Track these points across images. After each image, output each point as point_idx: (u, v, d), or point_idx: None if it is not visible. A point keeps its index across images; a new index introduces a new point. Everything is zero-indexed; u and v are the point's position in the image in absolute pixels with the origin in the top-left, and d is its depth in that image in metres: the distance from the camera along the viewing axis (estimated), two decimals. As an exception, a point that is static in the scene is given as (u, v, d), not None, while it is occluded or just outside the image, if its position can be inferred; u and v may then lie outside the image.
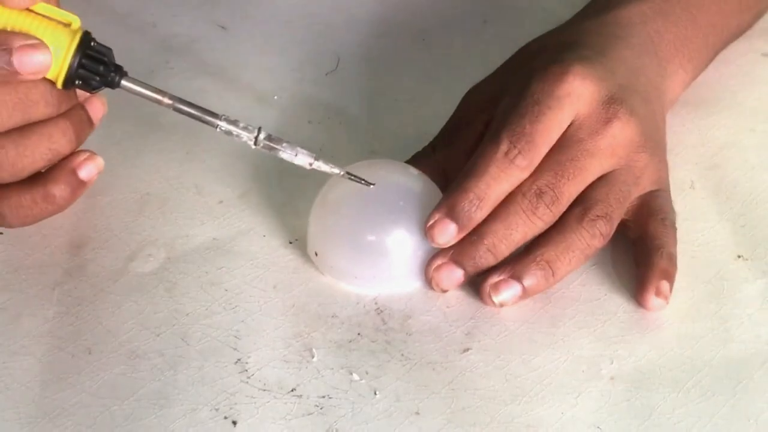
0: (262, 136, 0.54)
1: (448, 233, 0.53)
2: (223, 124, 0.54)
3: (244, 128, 0.54)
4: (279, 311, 0.53)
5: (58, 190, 0.53)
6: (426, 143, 0.61)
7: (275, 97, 0.71)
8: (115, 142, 0.66)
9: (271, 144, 0.55)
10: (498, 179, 0.53)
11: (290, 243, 0.58)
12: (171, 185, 0.62)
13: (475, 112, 0.60)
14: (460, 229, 0.53)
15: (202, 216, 0.60)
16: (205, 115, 0.54)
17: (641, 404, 0.49)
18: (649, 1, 0.63)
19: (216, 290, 0.54)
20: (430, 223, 0.53)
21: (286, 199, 0.61)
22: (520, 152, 0.53)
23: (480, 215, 0.53)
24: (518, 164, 0.53)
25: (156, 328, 0.52)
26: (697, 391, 0.49)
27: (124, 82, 0.54)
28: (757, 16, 0.72)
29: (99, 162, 0.55)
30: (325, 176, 0.59)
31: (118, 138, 0.66)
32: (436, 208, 0.53)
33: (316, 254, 0.56)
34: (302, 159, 0.55)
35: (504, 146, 0.53)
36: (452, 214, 0.53)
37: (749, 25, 0.71)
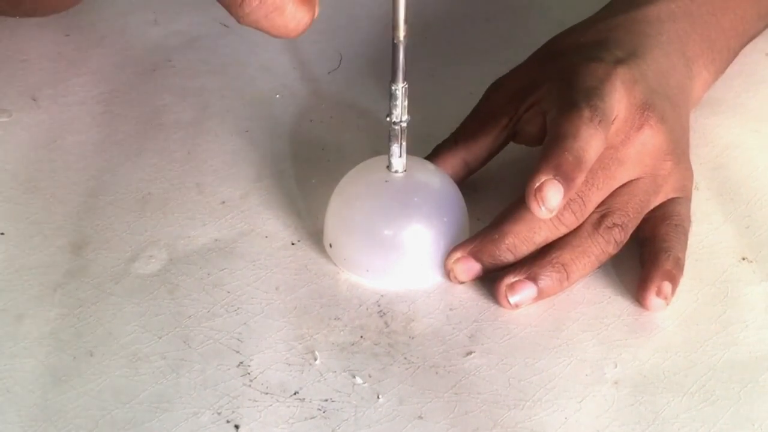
0: (402, 121, 0.53)
1: (557, 194, 0.50)
2: (402, 88, 0.52)
3: (405, 107, 0.53)
4: (281, 313, 0.53)
5: None
6: (429, 142, 0.61)
7: (277, 96, 0.71)
8: (116, 142, 0.66)
9: (393, 133, 0.54)
10: (590, 143, 0.51)
11: (292, 244, 0.57)
12: (173, 185, 0.62)
13: (500, 105, 0.60)
14: (566, 191, 0.51)
15: (204, 216, 0.59)
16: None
17: (645, 409, 0.48)
18: (677, 0, 0.63)
19: (218, 292, 0.54)
20: (538, 184, 0.50)
21: (289, 199, 0.61)
22: (601, 120, 0.52)
23: (581, 178, 0.51)
24: (602, 131, 0.52)
25: (158, 330, 0.52)
26: (701, 396, 0.49)
27: None
28: None
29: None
30: (329, 175, 0.59)
31: (120, 138, 0.66)
32: (540, 171, 0.50)
33: (330, 246, 0.56)
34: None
35: (586, 112, 0.52)
36: (559, 174, 0.50)
37: (761, 32, 0.71)
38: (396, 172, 0.55)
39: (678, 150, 0.57)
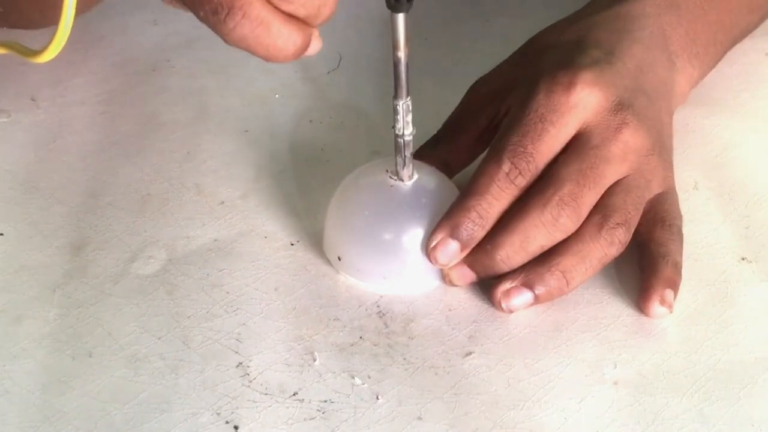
0: (405, 135, 0.53)
1: (450, 253, 0.53)
2: (403, 104, 0.53)
3: (408, 122, 0.53)
4: (280, 314, 0.53)
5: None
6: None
7: (276, 96, 0.71)
8: (116, 142, 0.66)
9: (397, 146, 0.54)
10: (499, 198, 0.53)
11: (292, 245, 0.57)
12: (172, 185, 0.62)
13: (480, 106, 0.60)
14: (463, 248, 0.53)
15: (203, 217, 0.59)
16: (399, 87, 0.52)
17: (644, 409, 0.48)
18: None
19: (217, 293, 0.54)
20: (433, 244, 0.53)
21: (288, 200, 0.60)
22: (520, 173, 0.53)
23: (481, 234, 0.53)
24: (518, 185, 0.53)
25: (157, 331, 0.52)
26: (700, 396, 0.49)
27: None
28: (764, 18, 0.71)
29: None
30: (329, 175, 0.59)
31: (119, 138, 0.66)
32: (438, 229, 0.53)
33: (339, 258, 0.55)
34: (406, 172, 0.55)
35: (505, 167, 0.53)
36: (455, 234, 0.53)
37: (756, 26, 0.71)
38: (402, 180, 0.55)
39: (658, 144, 0.56)
